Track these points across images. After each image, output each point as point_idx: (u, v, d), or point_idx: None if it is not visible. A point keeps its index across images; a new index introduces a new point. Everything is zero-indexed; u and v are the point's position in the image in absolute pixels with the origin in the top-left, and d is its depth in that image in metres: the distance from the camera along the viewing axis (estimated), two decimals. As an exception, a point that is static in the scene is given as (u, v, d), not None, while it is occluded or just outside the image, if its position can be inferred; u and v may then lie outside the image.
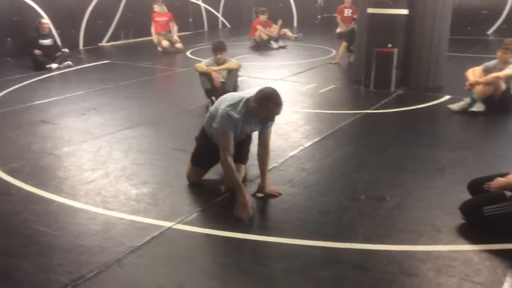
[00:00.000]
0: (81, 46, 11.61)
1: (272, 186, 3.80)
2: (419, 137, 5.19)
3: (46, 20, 9.59)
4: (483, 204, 3.18)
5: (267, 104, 3.47)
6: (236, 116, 3.51)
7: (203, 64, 6.49)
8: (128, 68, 9.43)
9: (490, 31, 13.01)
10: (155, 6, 11.25)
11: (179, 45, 11.09)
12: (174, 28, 11.34)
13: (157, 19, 11.23)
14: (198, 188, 3.95)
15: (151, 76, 8.69)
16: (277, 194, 3.74)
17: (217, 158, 3.65)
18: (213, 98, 6.30)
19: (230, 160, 3.50)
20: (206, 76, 6.35)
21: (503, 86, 5.72)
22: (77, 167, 4.39)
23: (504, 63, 5.79)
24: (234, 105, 3.52)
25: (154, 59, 10.41)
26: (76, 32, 11.51)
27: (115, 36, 12.44)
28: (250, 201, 3.45)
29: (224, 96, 3.77)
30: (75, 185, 4.00)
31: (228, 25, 16.04)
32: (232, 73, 6.42)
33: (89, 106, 6.48)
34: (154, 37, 11.21)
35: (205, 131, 3.90)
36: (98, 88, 7.53)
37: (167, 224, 3.32)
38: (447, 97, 6.59)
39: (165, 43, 10.94)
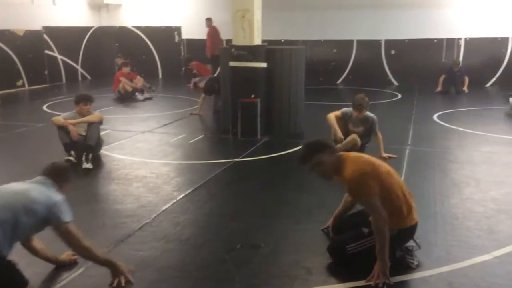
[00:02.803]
0: None
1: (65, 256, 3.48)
2: (286, 182, 5.45)
3: None
4: (346, 243, 3.42)
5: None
6: None
7: (62, 117, 6.19)
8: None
9: (339, 81, 14.42)
10: None
11: None
12: None
13: None
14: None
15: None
16: (74, 261, 3.48)
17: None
18: (72, 152, 5.98)
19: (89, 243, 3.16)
20: (63, 130, 6.03)
21: (359, 142, 6.23)
22: None
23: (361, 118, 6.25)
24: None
25: (2, 115, 9.55)
26: None
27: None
28: (127, 270, 3.23)
29: (36, 191, 3.23)
30: None
31: (89, 77, 15.49)
32: (93, 126, 6.17)
33: None
34: None
35: None
36: None
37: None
38: (307, 142, 7.05)
39: None
